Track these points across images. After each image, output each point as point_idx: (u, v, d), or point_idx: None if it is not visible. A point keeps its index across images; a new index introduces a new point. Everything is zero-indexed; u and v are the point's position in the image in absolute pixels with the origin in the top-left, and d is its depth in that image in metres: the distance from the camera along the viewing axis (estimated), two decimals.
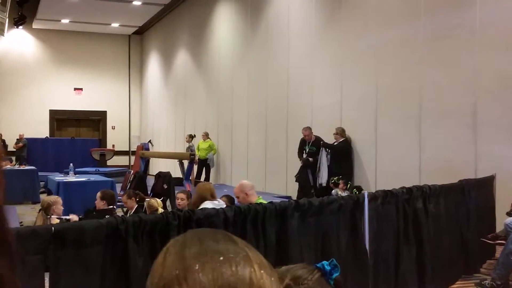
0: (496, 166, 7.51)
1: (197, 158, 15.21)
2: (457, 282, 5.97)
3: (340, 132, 10.77)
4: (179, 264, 0.77)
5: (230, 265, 0.77)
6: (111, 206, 7.25)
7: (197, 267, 0.76)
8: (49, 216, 6.27)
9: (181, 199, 7.10)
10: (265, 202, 4.66)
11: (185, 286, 0.75)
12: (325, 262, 1.68)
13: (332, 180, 9.73)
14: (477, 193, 6.43)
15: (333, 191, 9.38)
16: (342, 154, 10.69)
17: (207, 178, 15.87)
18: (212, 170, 16.79)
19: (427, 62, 9.17)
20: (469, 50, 8.40)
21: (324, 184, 10.60)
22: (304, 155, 11.43)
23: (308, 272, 1.61)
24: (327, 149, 10.91)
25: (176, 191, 8.75)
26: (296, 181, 11.65)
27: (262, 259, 0.82)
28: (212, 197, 5.62)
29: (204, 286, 0.74)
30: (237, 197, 5.38)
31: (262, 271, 0.79)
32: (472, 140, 8.32)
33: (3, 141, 21.63)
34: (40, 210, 6.51)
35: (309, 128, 11.40)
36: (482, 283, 5.83)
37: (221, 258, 0.78)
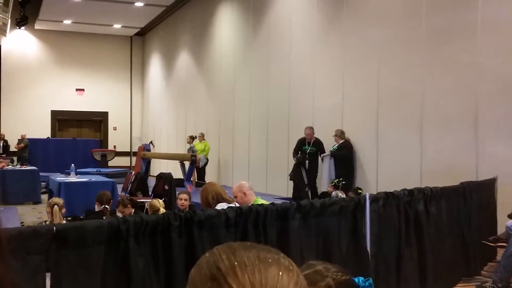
0: (498, 169, 7.51)
1: (198, 159, 15.21)
2: (458, 284, 5.97)
3: (340, 134, 10.79)
4: (232, 257, 0.82)
5: (279, 269, 0.82)
6: (103, 206, 7.32)
7: (249, 264, 0.81)
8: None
9: (184, 199, 7.08)
10: (264, 202, 4.66)
11: (235, 279, 0.79)
12: (361, 278, 1.78)
13: (332, 183, 9.71)
14: (478, 195, 6.43)
15: (333, 193, 9.35)
16: (344, 156, 10.69)
17: (201, 179, 15.85)
18: (214, 172, 16.81)
19: (428, 64, 9.17)
20: (471, 51, 8.39)
21: (324, 190, 10.58)
22: (300, 154, 11.45)
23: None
24: (332, 156, 10.87)
25: (177, 192, 8.75)
26: (290, 179, 11.68)
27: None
28: (225, 196, 5.58)
29: (253, 283, 0.79)
30: (235, 197, 5.41)
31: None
32: (474, 142, 8.32)
33: (5, 141, 21.66)
34: (54, 205, 6.55)
35: (312, 128, 11.40)
36: (483, 285, 5.82)
37: (270, 260, 0.83)
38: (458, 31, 8.66)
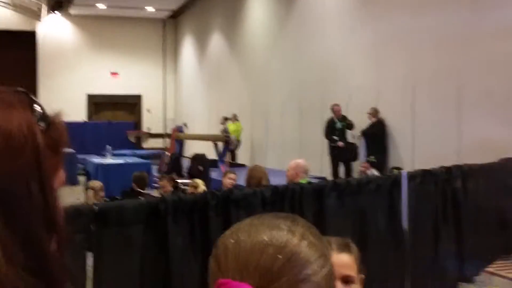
0: None
1: (232, 139, 15.28)
2: (495, 262, 5.90)
3: (373, 112, 10.76)
4: (232, 235, 0.84)
5: (271, 229, 0.82)
6: (138, 189, 7.42)
7: (243, 229, 0.84)
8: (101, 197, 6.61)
9: (233, 179, 6.98)
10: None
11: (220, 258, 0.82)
12: None
13: (369, 159, 9.66)
14: None
15: (368, 171, 9.32)
16: (376, 135, 10.68)
17: (233, 159, 15.92)
18: (247, 152, 16.84)
19: (466, 41, 8.98)
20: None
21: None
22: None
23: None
24: (362, 135, 10.93)
25: (228, 171, 8.69)
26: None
27: (312, 238, 0.84)
28: (264, 181, 5.65)
29: (245, 241, 0.81)
30: (288, 170, 5.54)
31: (304, 241, 0.82)
32: None
33: None
34: (90, 189, 6.71)
35: (338, 104, 11.56)
36: None
37: (263, 225, 0.84)
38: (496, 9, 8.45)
